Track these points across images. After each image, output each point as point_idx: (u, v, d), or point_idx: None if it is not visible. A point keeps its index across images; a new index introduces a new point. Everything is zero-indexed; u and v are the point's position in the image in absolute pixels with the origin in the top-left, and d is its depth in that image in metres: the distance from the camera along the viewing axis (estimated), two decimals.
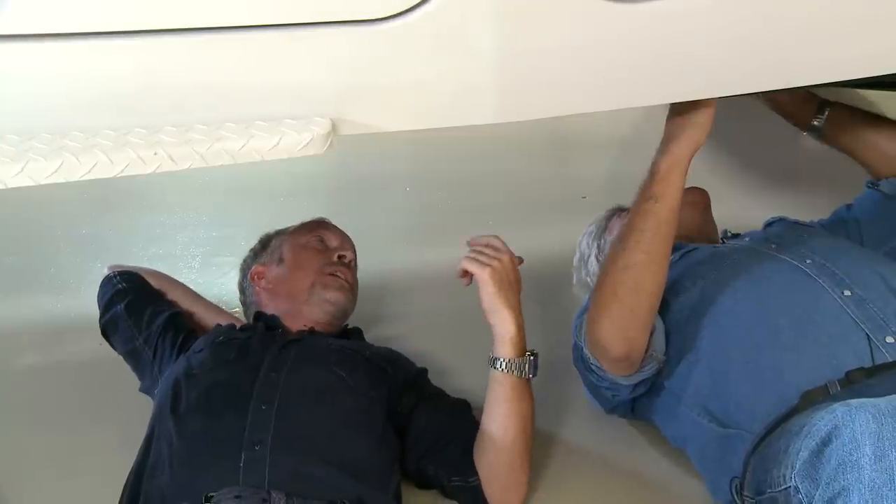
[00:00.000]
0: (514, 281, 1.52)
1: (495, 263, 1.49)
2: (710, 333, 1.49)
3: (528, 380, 1.52)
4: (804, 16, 1.16)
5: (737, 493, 1.35)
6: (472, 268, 1.50)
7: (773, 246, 1.58)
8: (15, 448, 1.74)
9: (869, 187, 1.76)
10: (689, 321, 1.52)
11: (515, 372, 1.49)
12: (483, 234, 1.57)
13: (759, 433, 1.32)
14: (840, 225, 1.76)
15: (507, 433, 1.51)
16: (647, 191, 1.42)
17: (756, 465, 1.31)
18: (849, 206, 1.79)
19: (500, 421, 1.51)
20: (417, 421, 1.59)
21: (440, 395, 1.66)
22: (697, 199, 1.77)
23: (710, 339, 1.48)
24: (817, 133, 1.78)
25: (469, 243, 1.55)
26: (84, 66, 1.01)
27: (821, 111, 1.77)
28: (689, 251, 1.65)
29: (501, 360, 1.49)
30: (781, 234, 1.68)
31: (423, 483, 1.60)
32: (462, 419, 1.60)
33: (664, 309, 1.52)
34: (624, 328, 1.44)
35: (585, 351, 1.53)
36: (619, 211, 1.84)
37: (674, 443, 1.59)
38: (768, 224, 1.77)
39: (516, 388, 1.50)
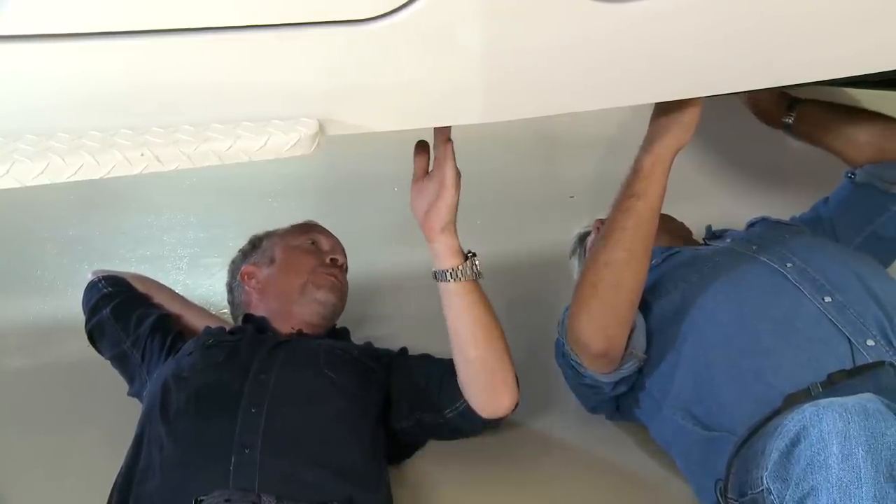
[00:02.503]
0: None
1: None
2: (692, 337, 1.49)
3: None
4: (791, 15, 1.16)
5: (721, 496, 1.35)
6: (452, 169, 1.44)
7: (755, 247, 1.58)
8: (1, 450, 1.73)
9: (847, 178, 1.76)
10: (671, 324, 1.52)
11: (469, 275, 1.45)
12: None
13: (743, 435, 1.32)
14: (818, 222, 1.77)
15: (476, 341, 1.47)
16: (629, 188, 1.43)
17: (738, 467, 1.31)
18: (826, 200, 1.80)
19: (467, 331, 1.47)
20: (405, 376, 1.63)
21: (422, 356, 1.69)
22: None
23: (692, 343, 1.49)
24: (789, 130, 1.80)
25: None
26: (71, 67, 1.00)
27: (791, 108, 1.78)
28: (672, 254, 1.66)
29: (454, 268, 1.45)
30: (762, 234, 1.68)
31: (423, 436, 1.66)
32: (439, 361, 1.62)
33: (646, 311, 1.53)
34: (604, 325, 1.45)
35: (566, 347, 1.53)
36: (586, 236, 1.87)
37: (661, 445, 1.59)
38: (751, 224, 1.77)
39: (475, 292, 1.47)
